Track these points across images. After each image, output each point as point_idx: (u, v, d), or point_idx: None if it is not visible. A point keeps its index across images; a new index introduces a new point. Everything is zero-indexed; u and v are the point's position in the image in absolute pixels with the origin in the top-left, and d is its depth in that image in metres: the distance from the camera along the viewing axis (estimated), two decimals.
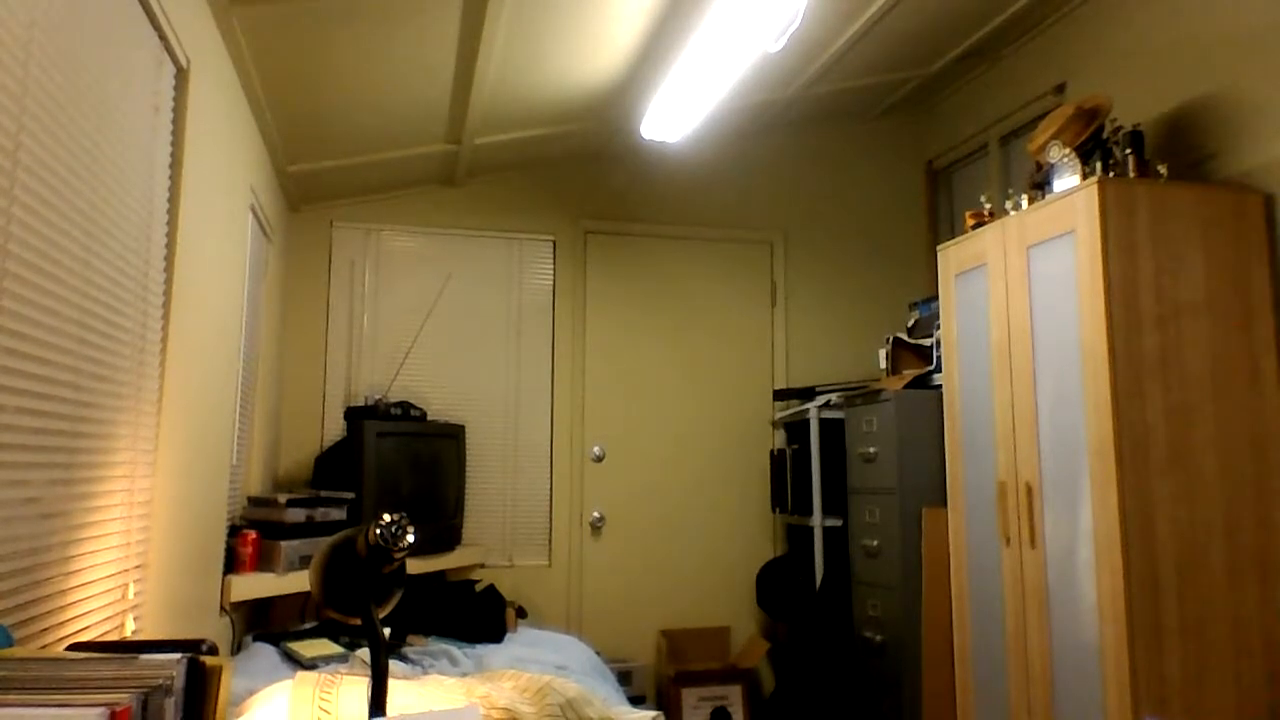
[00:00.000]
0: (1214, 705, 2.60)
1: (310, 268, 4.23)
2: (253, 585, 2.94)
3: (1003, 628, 3.08)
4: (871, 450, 3.80)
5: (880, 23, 3.58)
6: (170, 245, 2.14)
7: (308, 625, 3.32)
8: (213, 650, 1.22)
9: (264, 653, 2.85)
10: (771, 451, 4.52)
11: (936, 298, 3.62)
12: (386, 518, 1.42)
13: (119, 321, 1.83)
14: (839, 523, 4.08)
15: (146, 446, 2.02)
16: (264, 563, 3.04)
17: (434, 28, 2.87)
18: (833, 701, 3.92)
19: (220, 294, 2.69)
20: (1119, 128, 3.03)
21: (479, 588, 3.71)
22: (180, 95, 2.21)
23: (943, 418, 3.47)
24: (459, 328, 4.36)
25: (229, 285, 2.81)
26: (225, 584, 2.86)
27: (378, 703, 1.41)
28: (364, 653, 2.75)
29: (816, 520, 4.09)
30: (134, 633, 1.95)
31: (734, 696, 4.13)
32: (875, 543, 3.76)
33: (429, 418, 4.07)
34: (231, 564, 2.94)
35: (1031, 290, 3.00)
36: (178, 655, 1.10)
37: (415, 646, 3.02)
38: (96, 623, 1.75)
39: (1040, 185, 3.11)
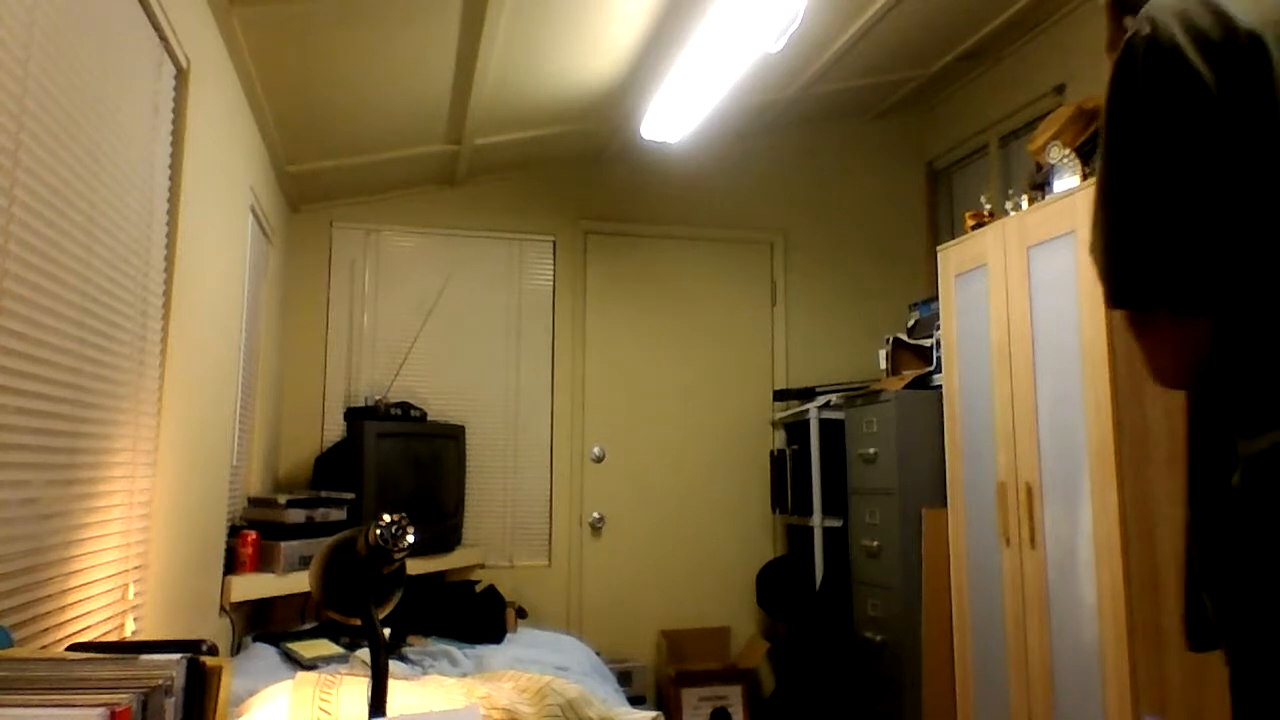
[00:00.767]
0: (1214, 706, 2.60)
1: (310, 268, 4.23)
2: (253, 585, 2.94)
3: (1003, 628, 3.08)
4: (871, 451, 3.80)
5: (880, 23, 3.58)
6: (170, 245, 2.14)
7: (308, 625, 3.32)
8: (213, 650, 1.22)
9: (264, 653, 2.85)
10: (771, 452, 4.52)
11: (936, 298, 3.62)
12: (386, 518, 1.42)
13: (119, 321, 1.83)
14: (839, 523, 4.08)
15: (146, 446, 2.02)
16: (264, 563, 3.04)
17: (434, 28, 2.87)
18: (833, 701, 3.92)
19: (220, 294, 2.69)
20: None
21: (479, 588, 3.71)
22: (180, 95, 2.20)
23: (943, 418, 3.47)
24: (459, 328, 4.36)
25: (229, 285, 2.81)
26: (225, 584, 2.85)
27: (378, 703, 1.41)
28: (364, 653, 2.75)
29: (816, 520, 4.08)
30: (134, 633, 1.95)
31: (734, 696, 4.13)
32: (875, 543, 3.76)
33: (429, 418, 4.07)
34: (231, 564, 2.94)
35: (1031, 291, 3.00)
36: (178, 655, 1.10)
37: (415, 647, 3.02)
38: (96, 623, 1.75)
39: (1040, 186, 3.11)
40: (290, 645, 2.88)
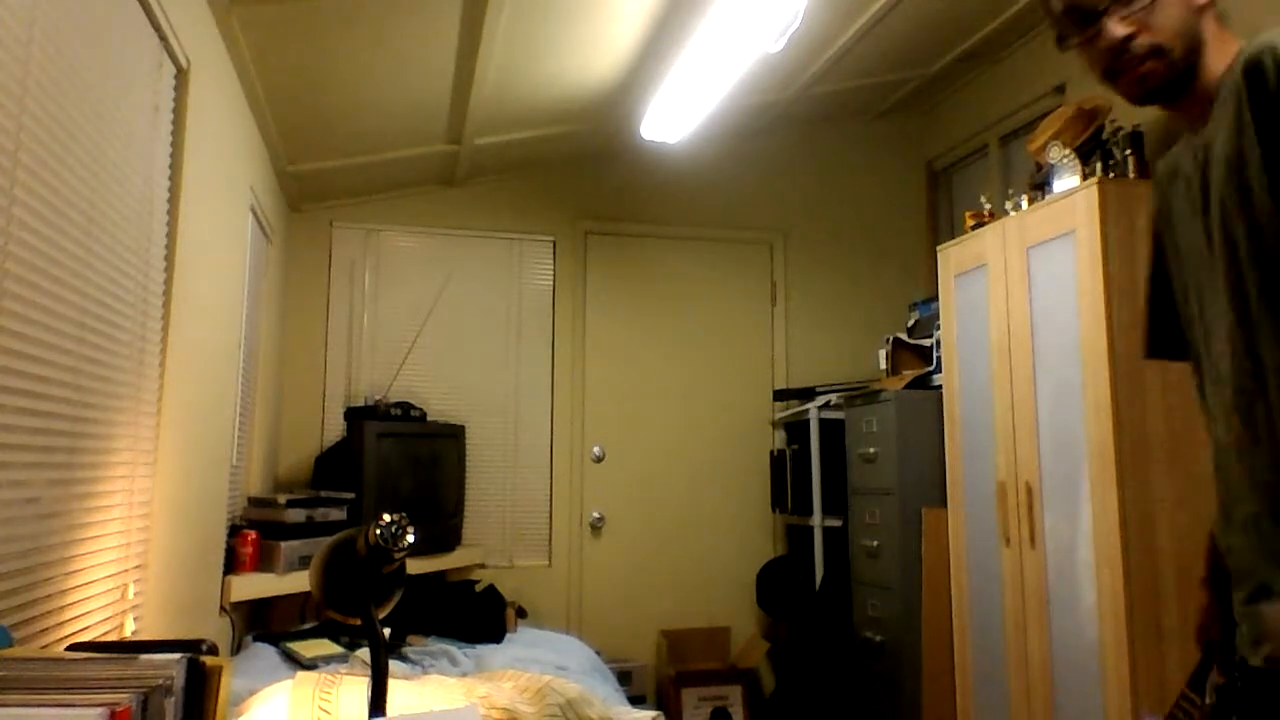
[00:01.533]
0: None
1: (310, 268, 4.23)
2: (253, 585, 2.94)
3: (1003, 628, 3.08)
4: (871, 450, 3.80)
5: (880, 23, 3.57)
6: (170, 245, 2.14)
7: (308, 625, 3.32)
8: (213, 650, 1.22)
9: (264, 653, 2.85)
10: (771, 451, 4.52)
11: (936, 298, 3.62)
12: (386, 518, 1.42)
13: (119, 321, 1.83)
14: (839, 523, 4.08)
15: (146, 446, 2.02)
16: (264, 563, 3.04)
17: (434, 28, 2.87)
18: (833, 701, 3.92)
19: (220, 294, 2.69)
20: (1119, 128, 3.03)
21: (479, 588, 3.71)
22: (180, 95, 2.21)
23: (943, 418, 3.47)
24: (459, 328, 4.36)
25: (229, 285, 2.81)
26: (225, 584, 2.86)
27: (378, 703, 1.41)
28: (364, 653, 2.75)
29: (816, 520, 4.08)
30: (134, 633, 1.95)
31: (734, 696, 4.13)
32: (875, 543, 3.76)
33: (429, 418, 4.07)
34: (231, 564, 2.94)
35: (1031, 291, 3.00)
36: (178, 655, 1.10)
37: (415, 646, 3.02)
38: (96, 623, 1.75)
39: (1040, 186, 3.11)
40: (290, 645, 2.88)
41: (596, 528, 4.40)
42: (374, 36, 2.84)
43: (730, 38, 2.91)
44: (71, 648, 1.42)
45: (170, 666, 1.05)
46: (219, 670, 1.13)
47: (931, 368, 3.79)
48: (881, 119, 4.92)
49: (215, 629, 2.76)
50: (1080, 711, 2.74)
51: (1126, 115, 3.43)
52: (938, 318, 3.60)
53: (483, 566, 4.18)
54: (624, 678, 4.01)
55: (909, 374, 3.91)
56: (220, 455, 2.78)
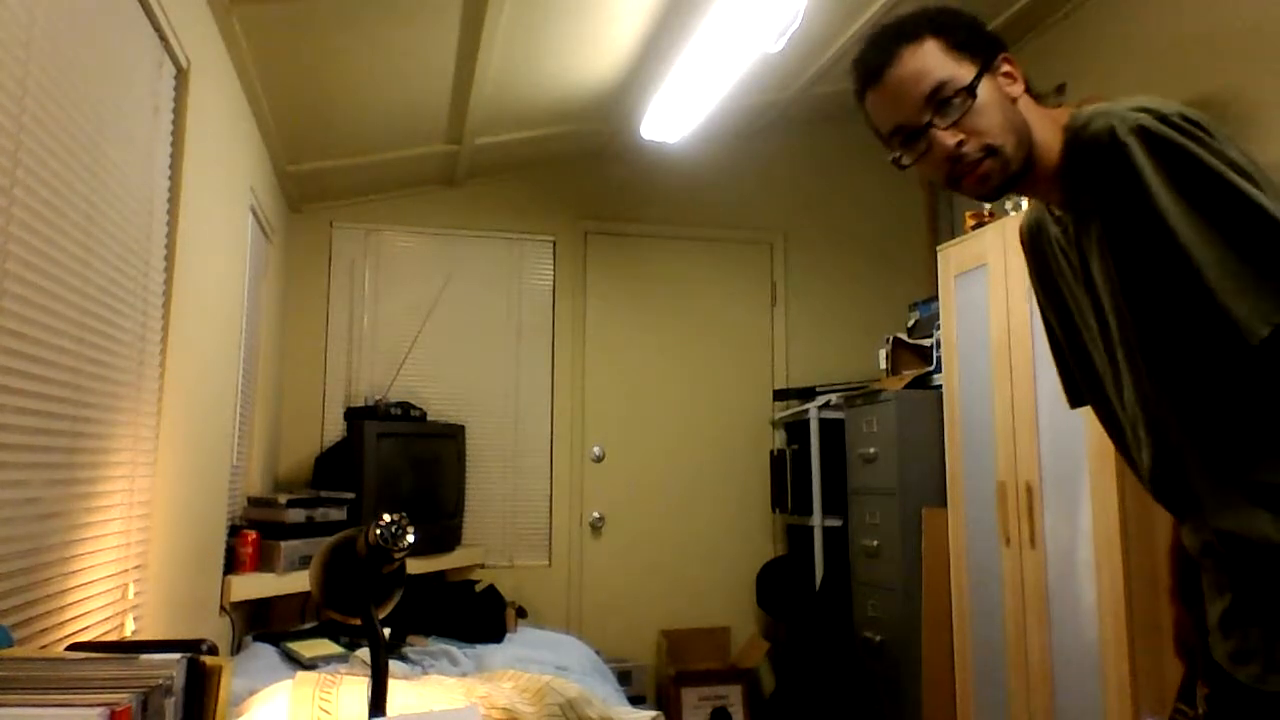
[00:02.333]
0: None
1: (310, 268, 4.23)
2: (253, 585, 2.94)
3: (1003, 628, 3.08)
4: (871, 450, 3.80)
5: (881, 23, 3.57)
6: (170, 245, 2.14)
7: (308, 625, 3.32)
8: (213, 650, 1.22)
9: (264, 653, 2.84)
10: (771, 451, 4.52)
11: (936, 298, 3.62)
12: (386, 518, 1.42)
13: (119, 321, 1.83)
14: (839, 523, 4.07)
15: (146, 446, 2.02)
16: (264, 563, 3.04)
17: (434, 28, 2.87)
18: (833, 701, 3.92)
19: (220, 294, 2.69)
20: None
21: (479, 588, 3.71)
22: (180, 95, 2.20)
23: (943, 418, 3.47)
24: (459, 328, 4.36)
25: (229, 285, 2.81)
26: (225, 584, 2.85)
27: (378, 703, 1.41)
28: (364, 653, 2.75)
29: (816, 520, 4.08)
30: (134, 633, 1.95)
31: (734, 696, 4.13)
32: (875, 543, 3.76)
33: (429, 418, 4.07)
34: (231, 564, 2.94)
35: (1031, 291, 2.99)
36: (178, 655, 1.10)
37: (415, 646, 3.02)
38: (96, 623, 1.75)
39: None
40: (290, 645, 2.87)
41: (596, 528, 4.40)
42: (374, 36, 2.84)
43: (730, 38, 2.91)
44: (71, 648, 1.42)
45: (170, 666, 1.05)
46: (219, 670, 1.13)
47: (931, 368, 3.79)
48: None
49: (215, 629, 2.76)
50: (1080, 711, 2.74)
51: None
52: (938, 318, 3.60)
53: (482, 566, 4.18)
54: (624, 678, 4.01)
55: (909, 374, 3.90)
56: (220, 455, 2.78)
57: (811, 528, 4.12)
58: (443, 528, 3.90)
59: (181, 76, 2.21)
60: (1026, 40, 4.00)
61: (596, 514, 4.40)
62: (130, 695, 0.90)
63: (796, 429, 4.42)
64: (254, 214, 3.26)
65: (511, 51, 3.13)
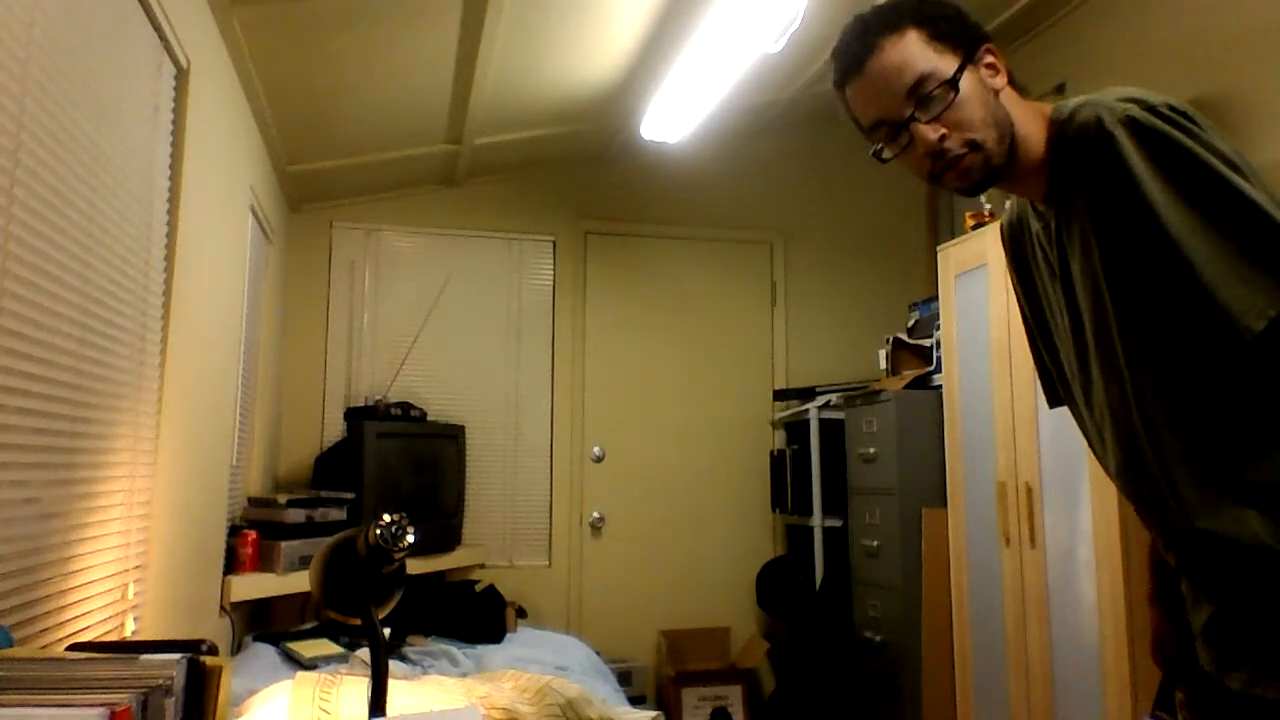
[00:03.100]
0: None
1: (310, 268, 4.23)
2: (253, 585, 2.94)
3: (1003, 628, 3.08)
4: (871, 450, 3.80)
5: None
6: (170, 245, 2.14)
7: (308, 625, 3.32)
8: (213, 650, 1.22)
9: (264, 653, 2.84)
10: (771, 451, 4.52)
11: (936, 298, 3.62)
12: (386, 518, 1.42)
13: (119, 321, 1.83)
14: (839, 523, 4.07)
15: (146, 446, 2.02)
16: (264, 563, 3.04)
17: (434, 28, 2.87)
18: (833, 701, 3.92)
19: (220, 294, 2.69)
20: None
21: (479, 588, 3.71)
22: (180, 95, 2.20)
23: (943, 418, 3.47)
24: (459, 328, 4.36)
25: (229, 285, 2.81)
26: (225, 584, 2.85)
27: (378, 703, 1.41)
28: (364, 653, 2.74)
29: (816, 520, 4.08)
30: (134, 633, 1.95)
31: (734, 696, 4.13)
32: (875, 543, 3.76)
33: (429, 418, 4.07)
34: (231, 564, 2.94)
35: None
36: (178, 655, 1.10)
37: (415, 646, 3.02)
38: (96, 623, 1.75)
39: None
40: (290, 645, 2.87)
41: (596, 528, 4.40)
42: (374, 36, 2.84)
43: (730, 38, 2.91)
44: (71, 648, 1.42)
45: (170, 666, 1.05)
46: (219, 670, 1.13)
47: (931, 368, 3.79)
48: None
49: (215, 629, 2.76)
50: (1080, 711, 2.74)
51: None
52: (938, 318, 3.60)
53: (483, 566, 4.18)
54: (624, 678, 4.01)
55: (909, 374, 3.90)
56: (220, 455, 2.78)
57: (811, 528, 4.12)
58: (443, 528, 3.90)
59: (181, 76, 2.21)
60: (1026, 40, 4.00)
61: (596, 514, 4.40)
62: (130, 695, 0.90)
63: (796, 429, 4.42)
64: (254, 214, 3.26)
65: (511, 51, 3.13)
